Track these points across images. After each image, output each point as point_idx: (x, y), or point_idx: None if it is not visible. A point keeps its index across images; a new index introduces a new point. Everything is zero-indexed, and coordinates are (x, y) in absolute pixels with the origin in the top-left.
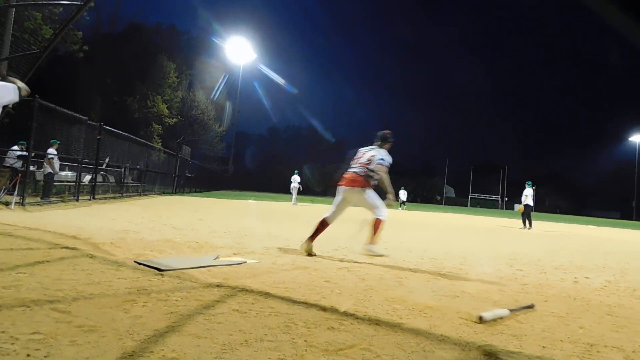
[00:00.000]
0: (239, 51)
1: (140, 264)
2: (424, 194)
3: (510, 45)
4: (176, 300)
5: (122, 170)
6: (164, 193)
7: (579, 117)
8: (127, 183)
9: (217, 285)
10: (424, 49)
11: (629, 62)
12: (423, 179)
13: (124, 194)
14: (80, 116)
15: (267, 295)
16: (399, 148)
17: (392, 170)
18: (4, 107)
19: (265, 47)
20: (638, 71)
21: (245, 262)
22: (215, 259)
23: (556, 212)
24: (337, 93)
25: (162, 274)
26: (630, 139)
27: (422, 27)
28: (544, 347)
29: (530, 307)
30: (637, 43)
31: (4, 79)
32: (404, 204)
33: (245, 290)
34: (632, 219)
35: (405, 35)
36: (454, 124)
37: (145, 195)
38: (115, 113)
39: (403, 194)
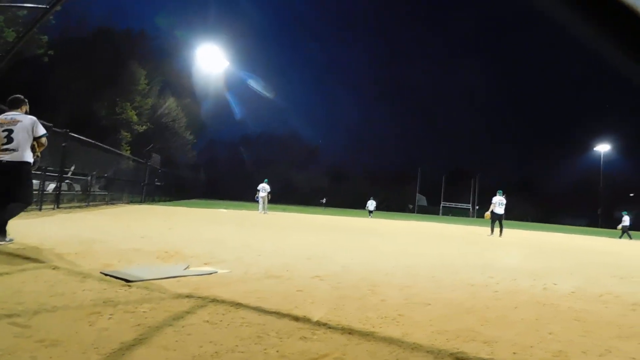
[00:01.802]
0: (211, 58)
1: (106, 274)
2: (396, 203)
3: (482, 55)
4: (144, 311)
5: (89, 178)
6: (132, 202)
7: (548, 126)
8: (93, 192)
9: (187, 296)
10: (397, 56)
11: (595, 74)
12: (395, 188)
13: (90, 203)
14: (45, 122)
15: (238, 305)
16: (371, 156)
17: (365, 178)
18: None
19: (238, 53)
20: (603, 83)
21: (216, 272)
22: (186, 269)
23: (526, 220)
24: (309, 101)
25: (129, 285)
26: (595, 148)
27: (394, 33)
28: (514, 353)
29: None
30: (603, 55)
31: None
32: (371, 213)
33: (216, 301)
34: (597, 227)
35: (378, 42)
36: (426, 132)
37: (113, 204)
38: (82, 119)
39: (371, 204)
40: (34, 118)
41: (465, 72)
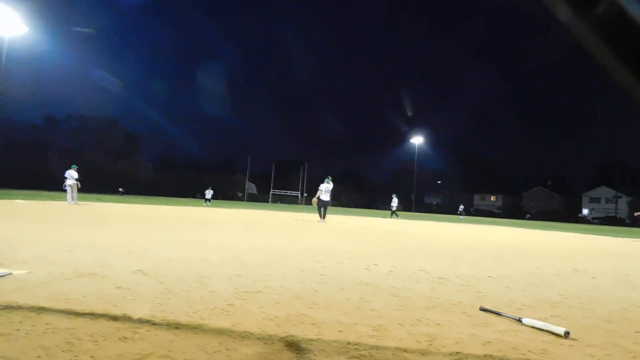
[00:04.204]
0: (4, 22)
1: None
2: (226, 191)
3: (314, 51)
4: None
5: None
6: None
7: (371, 120)
8: None
9: None
10: (222, 47)
11: (413, 75)
12: (225, 176)
13: None
14: None
15: (41, 310)
16: (201, 144)
17: (194, 166)
18: None
19: (40, 20)
20: (418, 83)
21: (11, 274)
22: None
23: (350, 206)
24: (131, 83)
25: None
26: (411, 140)
27: (234, 19)
28: (340, 331)
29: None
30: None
31: None
32: (208, 202)
33: (10, 308)
34: (411, 211)
35: (214, 28)
36: (257, 121)
37: None
38: None
39: (209, 193)
40: None
41: (298, 67)
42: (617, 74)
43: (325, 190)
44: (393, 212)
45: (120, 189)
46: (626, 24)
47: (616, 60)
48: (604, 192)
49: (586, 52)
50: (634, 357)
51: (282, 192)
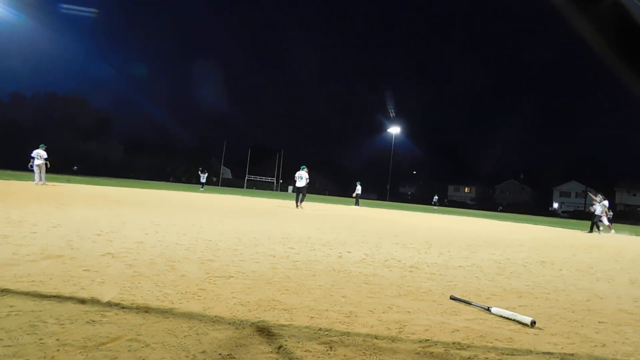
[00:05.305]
0: None
1: None
2: (198, 175)
3: (294, 40)
4: None
5: None
6: None
7: (349, 108)
8: None
9: None
10: (199, 36)
11: (391, 65)
12: (199, 160)
13: None
14: None
15: (4, 292)
16: (174, 128)
17: (164, 150)
18: None
19: None
20: (399, 73)
21: None
22: None
23: (325, 194)
24: (102, 60)
25: None
26: (388, 130)
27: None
28: (311, 317)
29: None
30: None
31: None
32: (203, 186)
33: None
34: (386, 200)
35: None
36: (233, 106)
37: None
38: None
39: (203, 177)
40: None
41: (277, 55)
42: (618, 69)
43: (298, 177)
44: (356, 200)
45: (74, 167)
46: (627, 21)
47: (618, 56)
48: (574, 186)
49: (589, 47)
50: (595, 345)
51: (258, 178)
